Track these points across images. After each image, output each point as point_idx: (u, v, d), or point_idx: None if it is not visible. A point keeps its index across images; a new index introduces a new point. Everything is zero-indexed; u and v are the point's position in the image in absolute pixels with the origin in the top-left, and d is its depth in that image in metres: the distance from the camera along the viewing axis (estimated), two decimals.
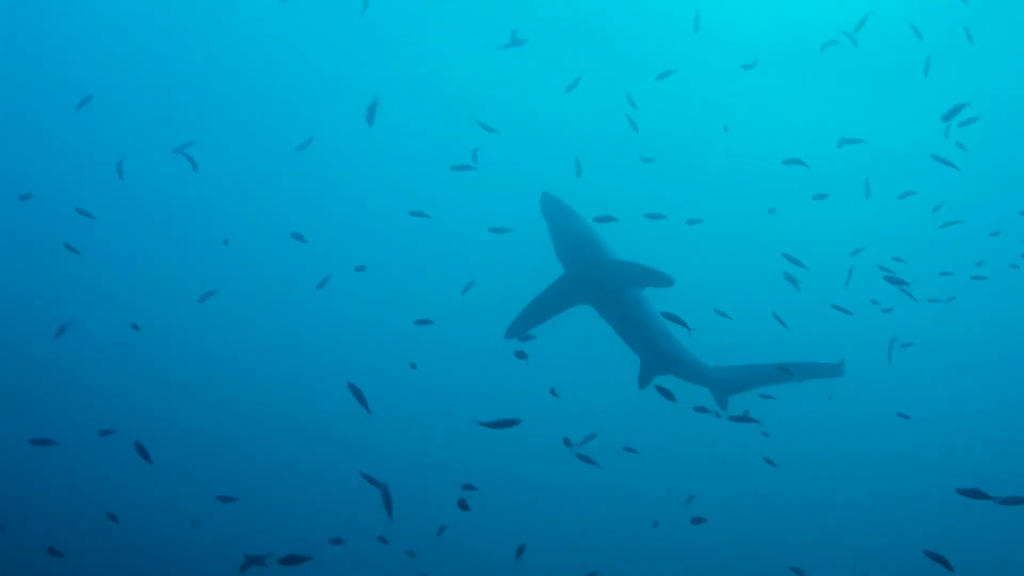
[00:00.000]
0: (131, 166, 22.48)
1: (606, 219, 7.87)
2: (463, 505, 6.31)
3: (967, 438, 25.33)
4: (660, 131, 20.83)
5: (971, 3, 16.62)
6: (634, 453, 9.16)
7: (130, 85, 23.84)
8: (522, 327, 8.46)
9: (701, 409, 7.97)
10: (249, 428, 23.19)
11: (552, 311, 8.47)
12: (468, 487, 7.02)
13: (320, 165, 25.79)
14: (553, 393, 8.08)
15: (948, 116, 9.15)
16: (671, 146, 22.73)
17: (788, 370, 8.66)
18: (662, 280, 7.68)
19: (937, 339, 23.07)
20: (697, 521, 8.94)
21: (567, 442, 7.70)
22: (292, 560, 5.95)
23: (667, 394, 6.97)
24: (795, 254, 8.81)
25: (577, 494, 21.17)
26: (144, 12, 22.39)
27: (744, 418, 7.54)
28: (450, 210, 24.61)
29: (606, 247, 8.09)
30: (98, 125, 23.56)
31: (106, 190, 21.71)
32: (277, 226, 23.04)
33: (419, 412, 23.49)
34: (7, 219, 23.27)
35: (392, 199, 25.66)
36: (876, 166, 19.62)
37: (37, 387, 21.16)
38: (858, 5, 17.03)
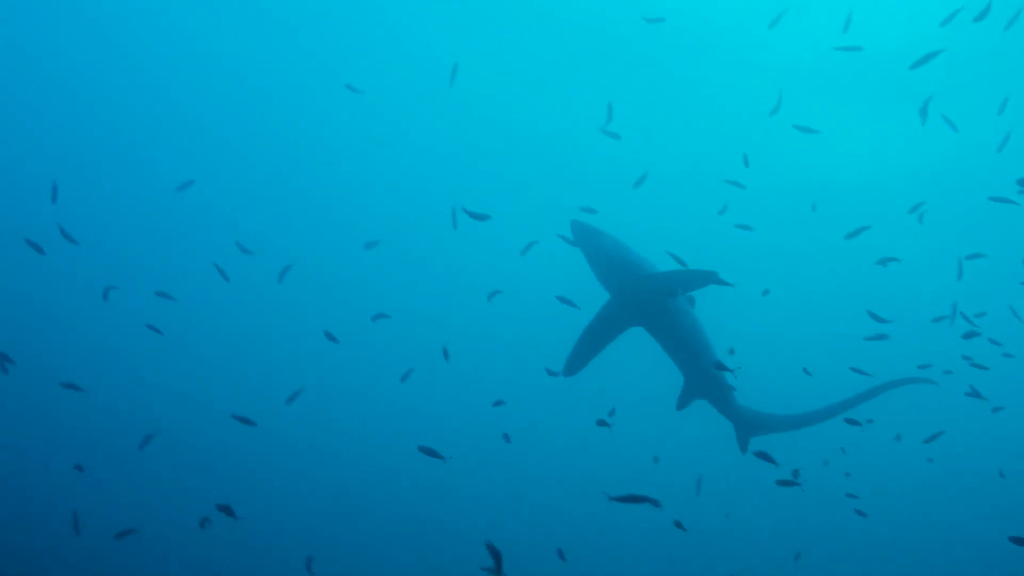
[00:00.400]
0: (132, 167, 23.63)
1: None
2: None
3: None
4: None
5: None
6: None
7: (131, 85, 23.43)
8: (579, 361, 8.30)
9: (787, 483, 7.61)
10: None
11: (605, 338, 8.30)
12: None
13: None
14: (605, 422, 7.93)
15: None
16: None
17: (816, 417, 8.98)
18: (704, 278, 7.44)
19: None
20: None
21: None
22: None
23: (767, 457, 6.92)
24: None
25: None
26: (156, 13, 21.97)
27: (790, 482, 7.54)
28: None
29: (643, 261, 7.98)
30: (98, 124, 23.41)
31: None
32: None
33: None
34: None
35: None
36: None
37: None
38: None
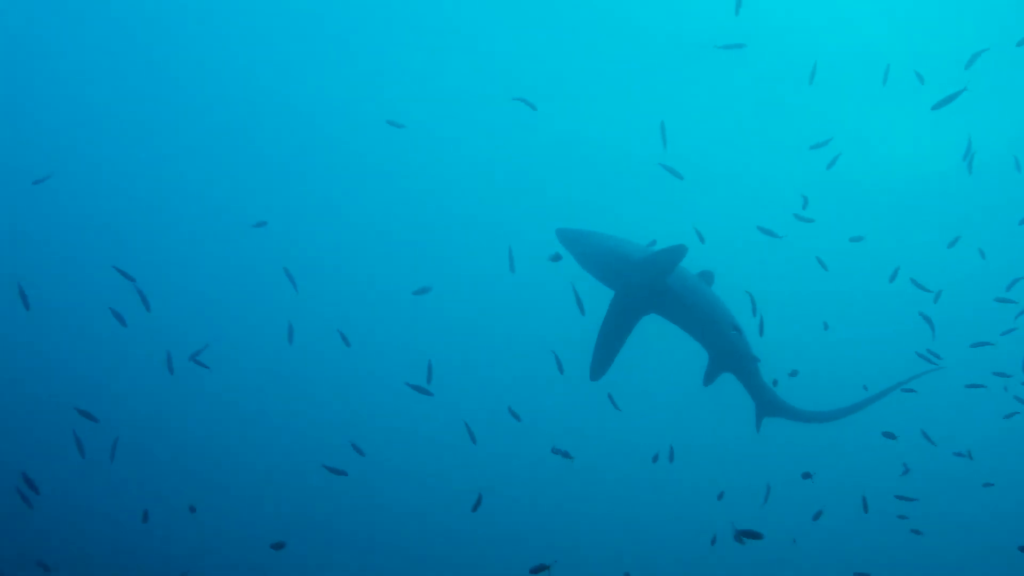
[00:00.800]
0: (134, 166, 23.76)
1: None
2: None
3: None
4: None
5: None
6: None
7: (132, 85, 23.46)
8: (602, 363, 8.34)
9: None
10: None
11: (622, 333, 8.34)
12: None
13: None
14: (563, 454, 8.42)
15: None
16: None
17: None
18: (676, 253, 7.43)
19: None
20: None
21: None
22: None
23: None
24: None
25: None
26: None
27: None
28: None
29: (632, 249, 8.01)
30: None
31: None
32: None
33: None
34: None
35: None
36: None
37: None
38: None
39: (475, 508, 9.59)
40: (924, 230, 22.59)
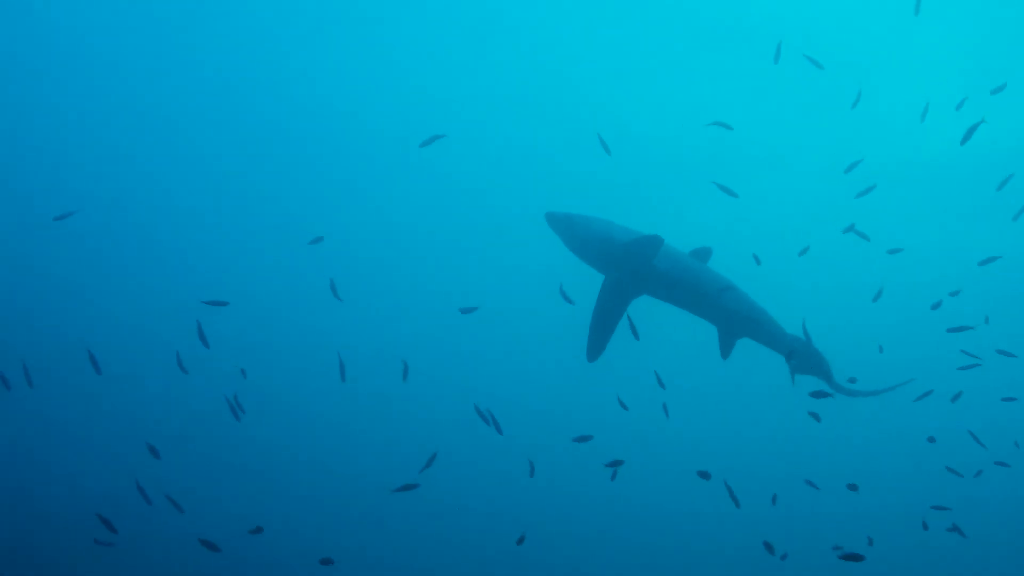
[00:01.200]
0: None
1: None
2: None
3: None
4: None
5: None
6: None
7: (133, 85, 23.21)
8: (597, 344, 8.35)
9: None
10: None
11: (616, 315, 8.35)
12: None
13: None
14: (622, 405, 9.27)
15: None
16: None
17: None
18: (652, 243, 7.62)
19: None
20: None
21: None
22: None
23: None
24: None
25: None
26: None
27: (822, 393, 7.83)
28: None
29: (617, 231, 8.06)
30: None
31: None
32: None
33: None
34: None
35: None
36: None
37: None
38: None
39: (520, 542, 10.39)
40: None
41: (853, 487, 9.22)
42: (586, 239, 8.07)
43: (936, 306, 10.30)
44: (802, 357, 8.85)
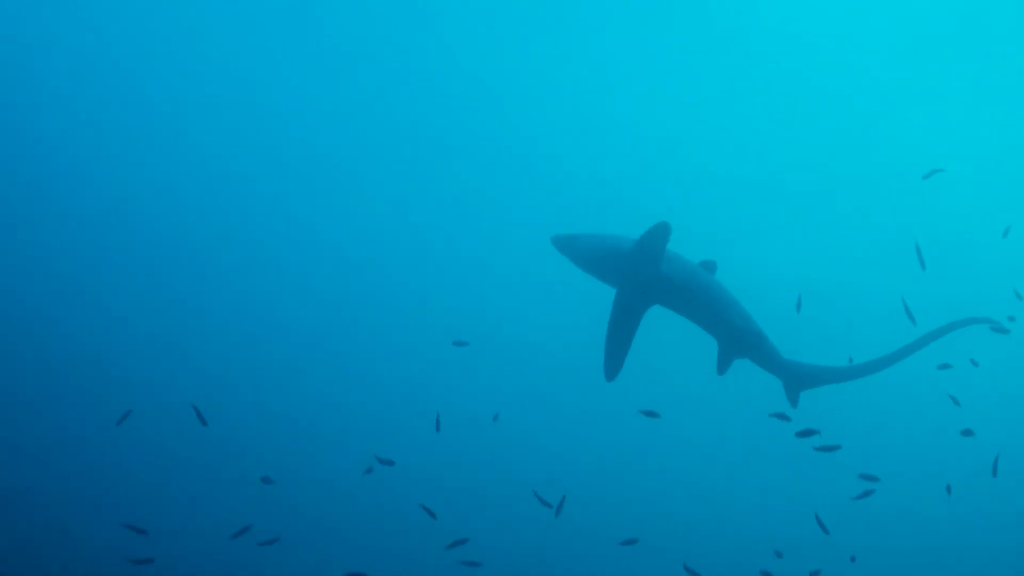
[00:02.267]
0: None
1: None
2: None
3: None
4: None
5: None
6: None
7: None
8: (615, 361, 8.36)
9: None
10: None
11: (629, 330, 8.38)
12: None
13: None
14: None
15: None
16: None
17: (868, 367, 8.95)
18: (661, 231, 7.50)
19: None
20: None
21: None
22: None
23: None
24: None
25: None
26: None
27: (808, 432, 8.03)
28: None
29: (622, 242, 8.08)
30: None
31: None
32: None
33: None
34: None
35: None
36: None
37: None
38: None
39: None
40: None
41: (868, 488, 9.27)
42: (593, 255, 8.10)
43: None
44: (801, 379, 8.99)
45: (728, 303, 8.54)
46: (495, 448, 21.27)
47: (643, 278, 8.11)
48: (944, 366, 10.06)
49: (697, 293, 8.34)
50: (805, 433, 8.12)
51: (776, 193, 23.59)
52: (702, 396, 21.44)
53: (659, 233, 7.55)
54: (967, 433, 9.48)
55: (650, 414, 9.07)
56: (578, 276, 8.33)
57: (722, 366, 8.81)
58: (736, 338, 8.63)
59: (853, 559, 12.08)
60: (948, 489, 10.67)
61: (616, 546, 13.22)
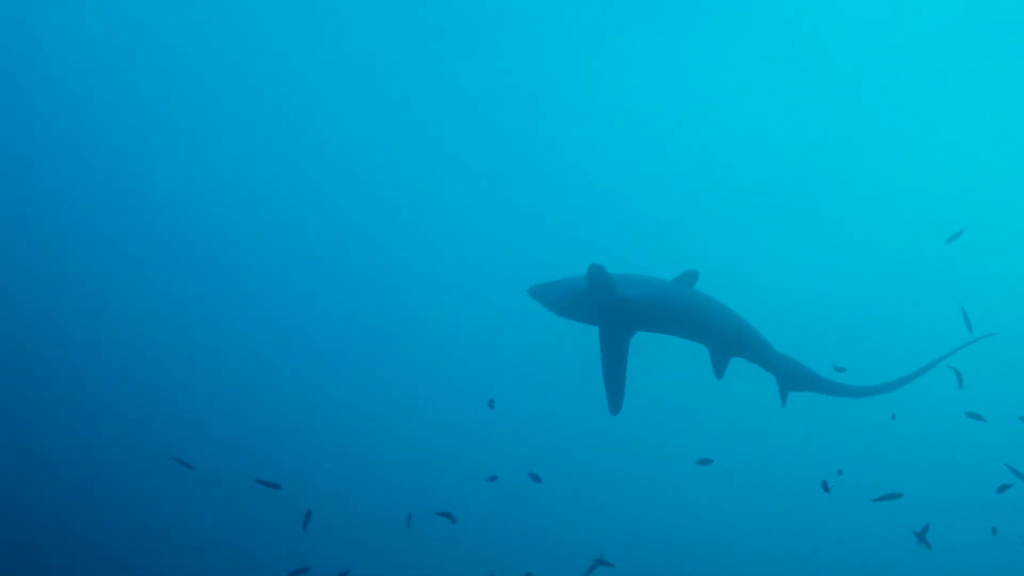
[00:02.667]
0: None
1: None
2: None
3: None
4: None
5: None
6: None
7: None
8: (615, 395, 8.32)
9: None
10: None
11: (621, 360, 8.33)
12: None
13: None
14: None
15: None
16: None
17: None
18: (596, 270, 7.52)
19: None
20: None
21: None
22: None
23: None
24: None
25: None
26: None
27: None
28: None
29: (576, 283, 8.08)
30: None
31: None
32: None
33: None
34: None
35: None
36: None
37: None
38: None
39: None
40: None
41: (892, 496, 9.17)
42: (558, 301, 8.19)
43: None
44: (793, 376, 8.93)
45: (706, 306, 8.43)
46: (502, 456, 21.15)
47: (607, 308, 8.06)
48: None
49: (666, 305, 8.25)
50: (887, 497, 8.24)
51: (783, 197, 23.57)
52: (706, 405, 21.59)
53: (596, 271, 7.59)
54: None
55: (704, 462, 9.39)
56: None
57: (718, 369, 8.73)
58: (723, 339, 8.55)
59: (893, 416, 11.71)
60: (994, 531, 10.76)
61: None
